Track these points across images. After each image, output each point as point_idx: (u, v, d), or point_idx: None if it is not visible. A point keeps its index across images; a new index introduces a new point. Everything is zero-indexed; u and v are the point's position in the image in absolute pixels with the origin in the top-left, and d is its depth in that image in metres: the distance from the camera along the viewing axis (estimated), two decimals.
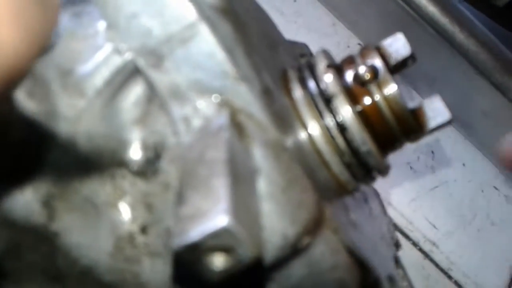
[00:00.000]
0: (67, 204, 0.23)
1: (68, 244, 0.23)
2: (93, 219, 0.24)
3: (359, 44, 0.76)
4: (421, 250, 0.66)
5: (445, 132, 0.73)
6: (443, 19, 0.55)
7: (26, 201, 0.22)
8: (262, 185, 0.24)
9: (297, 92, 0.34)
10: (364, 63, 0.34)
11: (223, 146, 0.22)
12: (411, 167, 0.72)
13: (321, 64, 0.34)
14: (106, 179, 0.25)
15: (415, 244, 0.67)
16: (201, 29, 0.23)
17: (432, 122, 0.35)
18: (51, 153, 0.22)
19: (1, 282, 0.23)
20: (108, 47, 0.24)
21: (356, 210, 0.36)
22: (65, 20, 0.26)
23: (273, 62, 0.36)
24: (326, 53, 0.37)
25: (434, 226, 0.68)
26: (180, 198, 0.20)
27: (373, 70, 0.34)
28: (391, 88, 0.33)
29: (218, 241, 0.18)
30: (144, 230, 0.25)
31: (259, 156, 0.24)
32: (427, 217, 0.68)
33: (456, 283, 0.66)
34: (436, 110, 0.35)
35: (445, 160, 0.75)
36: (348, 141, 0.33)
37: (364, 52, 0.36)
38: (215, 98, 0.24)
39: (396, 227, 0.65)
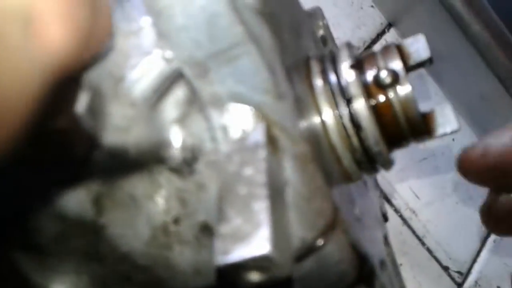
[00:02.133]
0: (113, 200, 0.25)
1: (111, 235, 0.25)
2: (133, 212, 0.26)
3: (371, 6, 0.77)
4: (401, 217, 0.71)
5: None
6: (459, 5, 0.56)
7: (79, 200, 0.24)
8: (289, 195, 0.26)
9: (318, 83, 0.36)
10: (385, 66, 0.36)
11: (261, 166, 0.24)
12: None
13: (344, 63, 0.36)
14: (144, 174, 0.27)
15: (396, 211, 0.71)
16: (249, 49, 0.24)
17: (440, 129, 0.37)
18: (101, 161, 0.23)
19: (44, 257, 0.26)
20: (156, 54, 0.25)
21: (357, 192, 0.39)
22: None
23: (299, 52, 0.37)
24: (350, 48, 0.38)
25: (417, 196, 0.73)
26: (220, 214, 0.22)
27: (394, 75, 0.35)
28: (407, 91, 0.35)
29: (257, 263, 0.21)
30: (176, 221, 0.27)
31: (288, 168, 0.27)
32: (411, 187, 0.73)
33: (428, 249, 0.72)
34: (446, 118, 0.37)
35: None
36: (361, 140, 0.35)
37: (386, 52, 0.37)
38: (253, 111, 0.26)
39: (381, 193, 0.70)
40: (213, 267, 0.27)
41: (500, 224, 0.37)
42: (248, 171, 0.24)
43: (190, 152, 0.27)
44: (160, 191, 0.27)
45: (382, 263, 0.39)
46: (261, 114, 0.26)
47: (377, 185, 0.56)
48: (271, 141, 0.26)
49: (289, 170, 0.27)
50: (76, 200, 0.24)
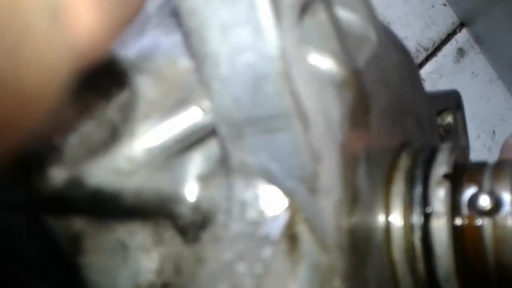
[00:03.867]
0: (97, 243, 0.22)
1: (88, 279, 0.23)
2: (118, 261, 0.23)
3: (444, 4, 0.72)
4: None
5: None
6: None
7: (56, 231, 0.22)
8: None
9: (398, 181, 0.30)
10: (490, 189, 0.28)
11: (257, 268, 0.19)
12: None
13: (437, 168, 0.29)
14: (149, 224, 0.24)
15: None
16: (293, 125, 0.20)
17: None
18: (83, 200, 0.21)
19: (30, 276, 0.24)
20: (193, 101, 0.22)
21: None
22: (175, 39, 0.24)
23: (389, 140, 0.31)
24: (452, 151, 0.31)
25: None
26: None
27: (497, 205, 0.28)
28: (508, 229, 0.27)
29: None
30: (165, 287, 0.24)
31: (304, 280, 0.21)
32: None
33: None
34: None
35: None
36: (429, 268, 0.28)
37: (497, 172, 0.29)
38: (281, 197, 0.21)
39: None
40: None
41: None
42: (241, 267, 0.19)
43: (201, 217, 0.23)
44: (161, 248, 0.24)
45: None
46: (291, 203, 0.21)
47: None
48: (291, 239, 0.21)
49: (303, 283, 0.21)
50: (53, 232, 0.22)
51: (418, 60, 0.68)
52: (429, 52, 0.71)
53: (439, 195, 0.28)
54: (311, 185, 0.21)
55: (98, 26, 0.17)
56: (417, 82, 0.39)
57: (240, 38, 0.19)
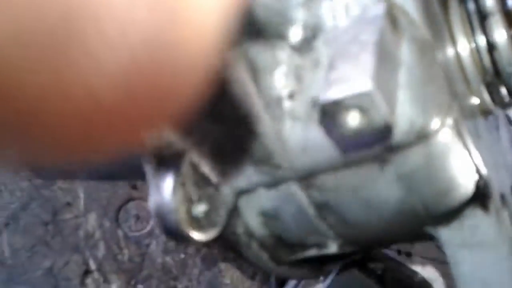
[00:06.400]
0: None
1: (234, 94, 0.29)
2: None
3: None
4: None
5: None
6: None
7: None
8: (403, 76, 0.27)
9: (454, 7, 0.35)
10: None
11: (376, 31, 0.25)
12: None
13: None
14: (268, 47, 0.29)
15: None
16: None
17: None
18: None
19: None
20: None
21: (485, 131, 0.37)
22: None
23: None
24: None
25: None
26: (330, 66, 0.24)
27: None
28: None
29: (359, 102, 0.22)
30: (291, 96, 0.30)
31: (406, 49, 0.27)
32: None
33: None
34: None
35: None
36: (494, 61, 0.34)
37: None
38: None
39: None
40: (319, 146, 0.28)
41: None
42: (363, 36, 0.25)
43: (311, 31, 0.29)
44: (281, 66, 0.30)
45: (503, 197, 0.36)
46: None
47: None
48: (392, 19, 0.27)
49: (407, 51, 0.27)
50: None
51: None
52: None
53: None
54: None
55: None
56: None
57: None
